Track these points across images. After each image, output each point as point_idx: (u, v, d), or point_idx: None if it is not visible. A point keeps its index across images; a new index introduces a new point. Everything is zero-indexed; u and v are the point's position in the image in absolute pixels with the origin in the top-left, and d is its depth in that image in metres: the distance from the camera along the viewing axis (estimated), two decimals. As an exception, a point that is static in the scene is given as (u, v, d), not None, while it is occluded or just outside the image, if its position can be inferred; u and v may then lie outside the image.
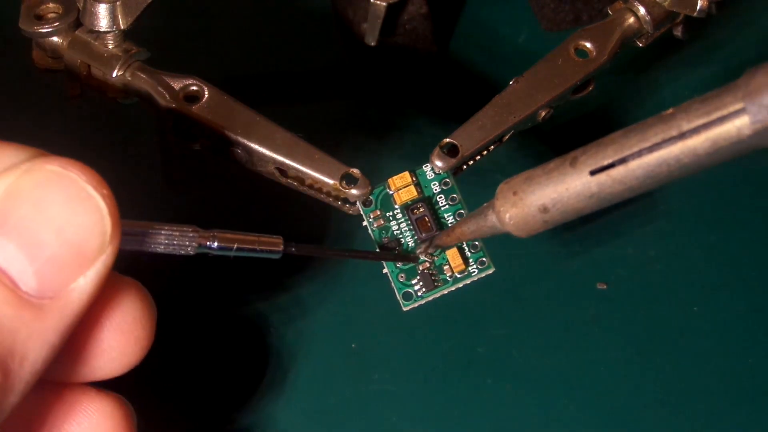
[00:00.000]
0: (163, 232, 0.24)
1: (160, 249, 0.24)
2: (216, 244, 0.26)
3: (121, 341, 0.24)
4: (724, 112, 0.21)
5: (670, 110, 0.22)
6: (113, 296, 0.24)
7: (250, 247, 0.27)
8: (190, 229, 0.25)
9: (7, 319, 0.21)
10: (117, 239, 0.22)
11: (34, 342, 0.21)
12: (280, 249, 0.27)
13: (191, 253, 0.25)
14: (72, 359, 0.24)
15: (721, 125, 0.21)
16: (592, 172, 0.24)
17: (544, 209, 0.25)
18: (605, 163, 0.23)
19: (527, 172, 0.26)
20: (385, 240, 0.32)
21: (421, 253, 0.31)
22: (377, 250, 0.32)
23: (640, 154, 0.23)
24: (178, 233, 0.25)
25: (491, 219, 0.27)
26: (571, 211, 0.25)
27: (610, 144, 0.23)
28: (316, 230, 0.40)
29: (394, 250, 0.32)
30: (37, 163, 0.21)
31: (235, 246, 0.26)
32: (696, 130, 0.21)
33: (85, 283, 0.22)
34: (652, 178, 0.23)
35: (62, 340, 0.22)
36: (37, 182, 0.21)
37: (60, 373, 0.24)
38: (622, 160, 0.23)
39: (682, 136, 0.22)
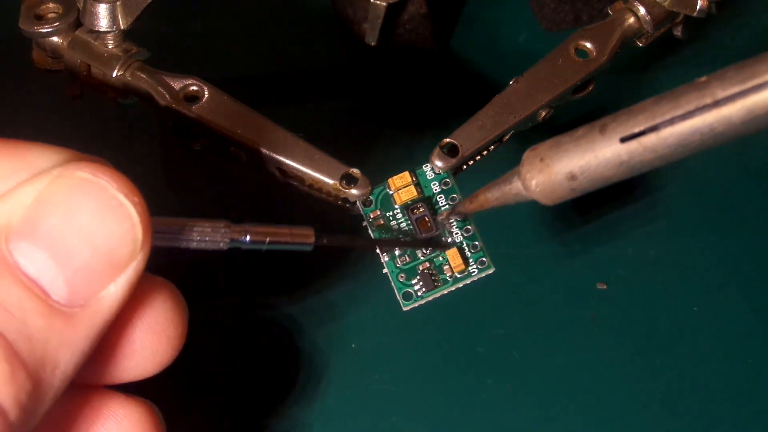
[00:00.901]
0: (195, 228, 0.24)
1: (193, 245, 0.24)
2: (248, 238, 0.25)
3: (153, 341, 0.24)
4: (761, 80, 0.20)
5: (704, 78, 0.22)
6: (145, 297, 0.24)
7: (283, 240, 0.26)
8: (222, 224, 0.25)
9: (38, 330, 0.21)
10: (148, 245, 0.22)
11: (65, 350, 0.21)
12: (312, 241, 0.27)
13: (224, 248, 0.25)
14: (104, 361, 0.24)
15: (758, 93, 0.21)
16: (623, 140, 0.23)
17: (572, 177, 0.24)
18: (636, 130, 0.23)
19: (554, 138, 0.25)
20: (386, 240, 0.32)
21: (442, 220, 0.31)
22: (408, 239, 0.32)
23: (672, 121, 0.22)
24: (210, 229, 0.25)
25: (516, 186, 0.26)
26: (600, 179, 0.24)
27: (641, 111, 0.23)
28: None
29: (394, 249, 0.32)
30: (68, 170, 0.21)
31: (268, 239, 0.26)
32: (731, 98, 0.21)
33: (115, 290, 0.22)
34: (684, 147, 0.22)
35: (93, 347, 0.22)
36: (68, 189, 0.21)
37: (92, 376, 0.24)
38: (654, 128, 0.22)
39: (716, 104, 0.21)
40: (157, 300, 0.24)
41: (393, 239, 0.32)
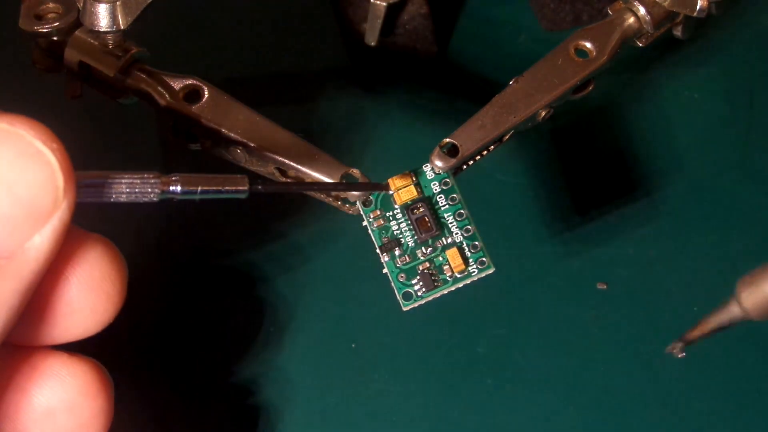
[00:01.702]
0: (123, 180, 0.24)
1: (122, 198, 0.24)
2: (179, 188, 0.25)
3: (90, 299, 0.24)
4: None
5: None
6: (77, 252, 0.24)
7: (215, 188, 0.26)
8: (152, 175, 0.24)
9: None
10: (71, 194, 0.22)
11: None
12: (246, 188, 0.26)
13: (155, 199, 0.24)
14: (40, 320, 0.24)
15: None
16: None
17: None
18: None
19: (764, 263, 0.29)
20: (385, 240, 0.32)
21: (670, 350, 0.32)
22: (343, 182, 0.32)
23: None
24: (139, 180, 0.24)
25: (733, 308, 0.30)
26: None
27: None
28: (316, 230, 0.40)
29: (394, 249, 0.32)
30: None
31: (200, 188, 0.25)
32: None
33: (41, 240, 0.21)
34: None
35: (23, 301, 0.22)
36: None
37: (29, 336, 0.24)
38: None
39: None
40: (92, 255, 0.24)
41: (329, 183, 0.32)
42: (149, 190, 0.24)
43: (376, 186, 0.31)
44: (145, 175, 0.24)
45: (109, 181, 0.24)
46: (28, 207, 0.21)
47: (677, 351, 0.32)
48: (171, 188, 0.25)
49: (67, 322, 0.24)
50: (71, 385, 0.25)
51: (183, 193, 0.25)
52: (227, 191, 0.26)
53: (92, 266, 0.24)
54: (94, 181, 0.23)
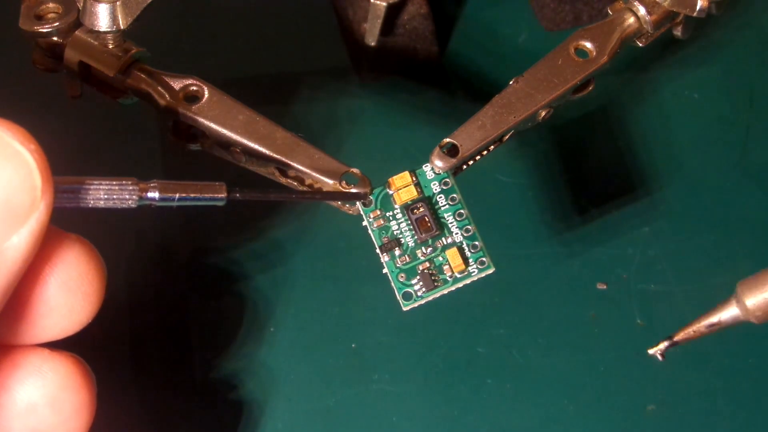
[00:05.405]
0: (101, 186, 0.24)
1: (101, 204, 0.24)
2: (157, 194, 0.25)
3: (68, 299, 0.24)
4: None
5: None
6: (56, 253, 0.24)
7: (193, 194, 0.26)
8: (130, 182, 0.24)
9: None
10: (49, 194, 0.22)
11: None
12: (224, 195, 0.26)
13: (133, 206, 0.24)
14: (19, 320, 0.24)
15: None
16: None
17: None
18: None
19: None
20: (385, 240, 0.32)
21: (658, 353, 0.32)
22: (323, 193, 0.32)
23: None
24: (117, 186, 0.24)
25: (733, 310, 0.31)
26: None
27: None
28: (316, 230, 0.40)
29: (394, 249, 0.32)
30: None
31: (177, 195, 0.25)
32: None
33: (19, 241, 0.21)
34: None
35: (1, 301, 0.22)
36: None
37: (7, 335, 0.24)
38: None
39: None
40: (69, 256, 0.24)
41: (307, 190, 0.32)
42: (127, 196, 0.24)
43: (355, 195, 0.31)
44: (123, 181, 0.24)
45: (87, 186, 0.24)
46: (6, 207, 0.21)
47: (660, 353, 0.32)
48: (149, 194, 0.25)
49: (46, 321, 0.24)
50: (52, 380, 0.25)
51: (161, 199, 0.25)
52: (205, 198, 0.26)
53: (70, 266, 0.24)
54: (71, 187, 0.23)
